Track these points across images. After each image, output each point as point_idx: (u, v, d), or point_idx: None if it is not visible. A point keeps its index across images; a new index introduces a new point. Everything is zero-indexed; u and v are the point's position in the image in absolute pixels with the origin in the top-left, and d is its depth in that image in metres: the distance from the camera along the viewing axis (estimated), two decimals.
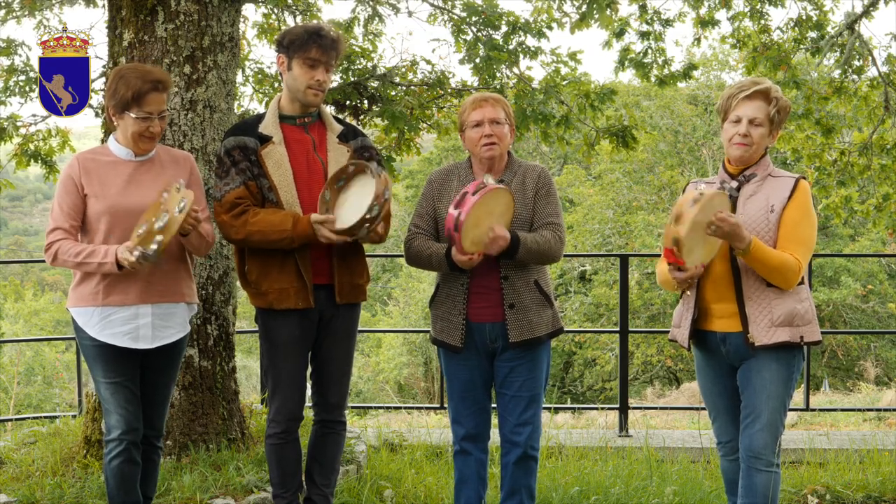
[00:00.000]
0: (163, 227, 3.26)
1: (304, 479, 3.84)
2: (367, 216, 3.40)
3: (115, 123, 3.54)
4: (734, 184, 3.41)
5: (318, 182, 3.61)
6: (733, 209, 3.37)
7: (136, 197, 3.48)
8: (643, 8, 7.63)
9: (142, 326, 3.49)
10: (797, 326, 3.33)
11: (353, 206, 3.48)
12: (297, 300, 3.58)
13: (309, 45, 3.55)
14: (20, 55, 7.25)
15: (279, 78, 7.27)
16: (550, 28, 7.05)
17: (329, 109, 3.87)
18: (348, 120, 6.02)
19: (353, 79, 6.85)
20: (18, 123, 7.47)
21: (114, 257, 3.35)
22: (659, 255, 3.45)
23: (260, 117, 3.70)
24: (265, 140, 3.59)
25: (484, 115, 3.64)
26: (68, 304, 3.57)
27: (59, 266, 3.51)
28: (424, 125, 7.23)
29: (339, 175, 3.53)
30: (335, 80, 6.74)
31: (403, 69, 7.15)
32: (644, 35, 7.72)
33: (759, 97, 3.36)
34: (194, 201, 3.40)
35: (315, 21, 6.73)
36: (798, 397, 8.49)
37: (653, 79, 7.90)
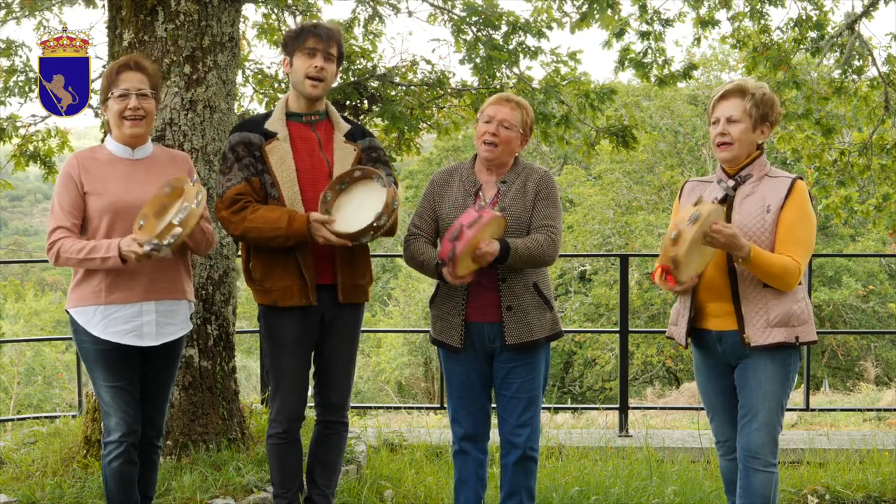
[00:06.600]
0: (183, 220, 3.23)
1: (304, 479, 3.84)
2: (375, 224, 3.41)
3: (107, 118, 3.54)
4: (731, 183, 3.41)
5: (321, 180, 3.61)
6: (729, 209, 3.37)
7: (136, 193, 3.44)
8: (643, 8, 7.63)
9: (146, 324, 3.46)
10: (793, 327, 3.33)
11: (355, 211, 3.48)
12: (301, 298, 3.58)
13: (306, 36, 3.62)
14: (20, 56, 7.27)
15: (280, 79, 7.29)
16: (550, 28, 7.06)
17: None
18: None
19: (353, 79, 6.84)
20: (18, 124, 7.48)
21: (117, 251, 3.29)
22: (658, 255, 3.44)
23: (268, 114, 3.72)
24: (270, 136, 3.61)
25: (496, 113, 3.64)
26: (68, 305, 3.52)
27: (62, 265, 3.44)
28: (424, 125, 7.23)
29: (343, 178, 3.53)
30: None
31: (403, 69, 7.16)
32: (644, 35, 7.73)
33: (733, 95, 3.36)
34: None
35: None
36: (798, 397, 8.50)
37: (653, 79, 7.91)
